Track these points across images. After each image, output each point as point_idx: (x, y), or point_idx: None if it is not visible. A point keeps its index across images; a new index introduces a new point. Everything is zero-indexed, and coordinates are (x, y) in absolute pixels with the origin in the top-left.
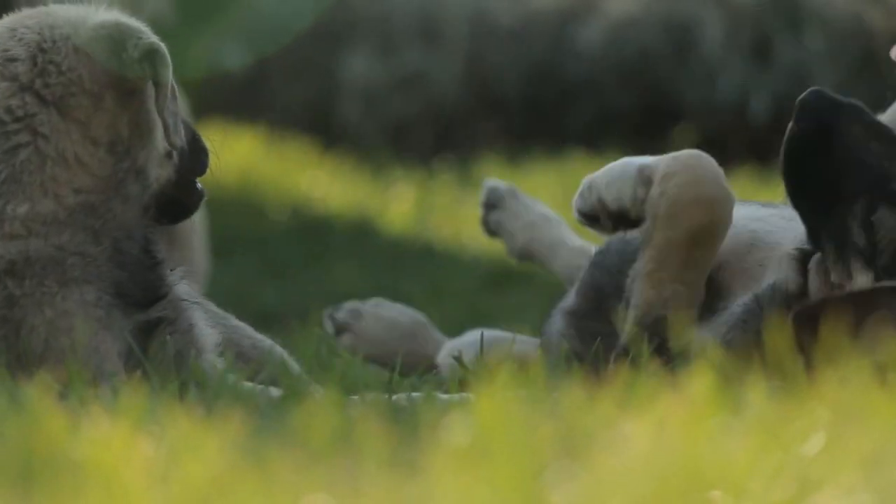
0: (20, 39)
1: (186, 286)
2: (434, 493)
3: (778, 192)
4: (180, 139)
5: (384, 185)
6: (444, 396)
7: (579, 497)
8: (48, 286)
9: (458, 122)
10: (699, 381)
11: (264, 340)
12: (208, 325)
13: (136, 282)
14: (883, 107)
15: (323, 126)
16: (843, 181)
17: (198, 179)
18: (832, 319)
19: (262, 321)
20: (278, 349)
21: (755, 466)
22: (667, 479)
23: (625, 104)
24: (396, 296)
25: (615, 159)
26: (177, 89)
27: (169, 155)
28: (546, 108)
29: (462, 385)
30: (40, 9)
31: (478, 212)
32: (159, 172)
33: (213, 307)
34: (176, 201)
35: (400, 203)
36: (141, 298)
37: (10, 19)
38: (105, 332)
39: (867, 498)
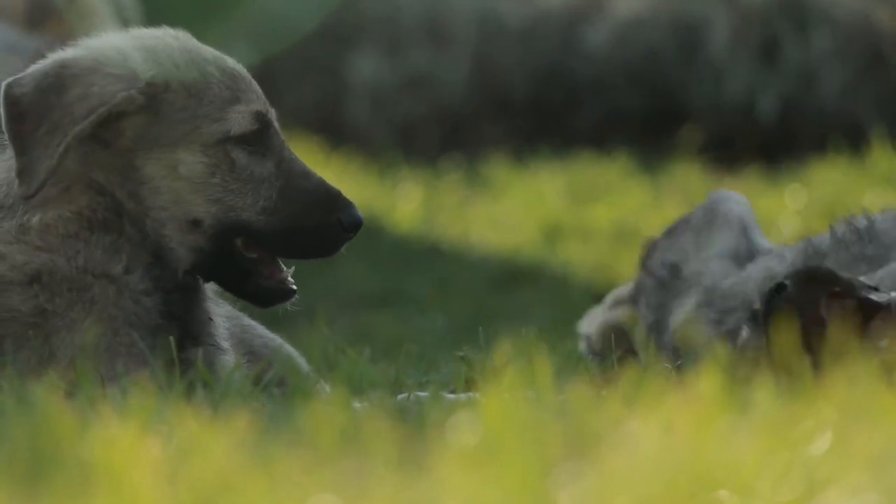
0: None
1: (224, 327)
2: (441, 493)
3: (784, 191)
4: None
5: (391, 185)
6: (451, 396)
7: (587, 497)
8: (77, 314)
9: (466, 123)
10: (707, 381)
11: (275, 339)
12: (230, 362)
13: (175, 319)
14: (891, 106)
15: (330, 126)
16: None
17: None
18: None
19: (270, 320)
20: (288, 348)
21: (763, 466)
22: (674, 479)
23: (632, 104)
24: (403, 295)
25: (622, 159)
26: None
27: (195, 223)
28: (553, 108)
29: (469, 384)
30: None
31: (485, 211)
32: (178, 237)
33: (227, 305)
34: (232, 283)
35: (407, 202)
36: (177, 336)
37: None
38: (139, 367)
39: (874, 498)
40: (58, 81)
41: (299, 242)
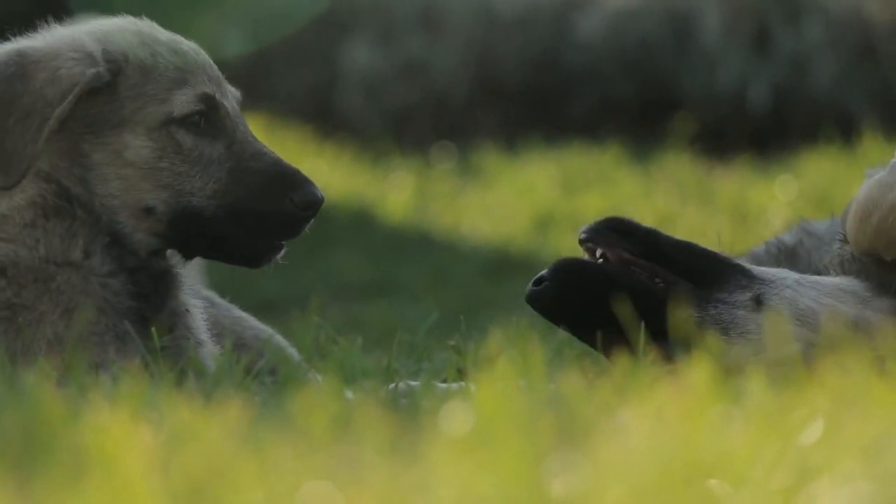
0: None
1: (202, 319)
2: (434, 482)
3: (775, 181)
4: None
5: (384, 174)
6: (443, 385)
7: (579, 485)
8: (45, 306)
9: (459, 111)
10: (699, 371)
11: (266, 330)
12: (210, 354)
13: (144, 299)
14: (882, 97)
15: (323, 114)
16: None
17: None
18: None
19: (262, 309)
20: (279, 339)
21: (754, 455)
22: (667, 468)
23: (625, 94)
24: (395, 284)
25: (614, 149)
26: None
27: (148, 211)
28: (546, 97)
29: (460, 374)
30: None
31: (477, 200)
32: (133, 223)
33: (216, 298)
34: (210, 252)
35: (399, 191)
36: (150, 318)
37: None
38: (118, 354)
39: (865, 486)
40: (20, 70)
41: (255, 225)
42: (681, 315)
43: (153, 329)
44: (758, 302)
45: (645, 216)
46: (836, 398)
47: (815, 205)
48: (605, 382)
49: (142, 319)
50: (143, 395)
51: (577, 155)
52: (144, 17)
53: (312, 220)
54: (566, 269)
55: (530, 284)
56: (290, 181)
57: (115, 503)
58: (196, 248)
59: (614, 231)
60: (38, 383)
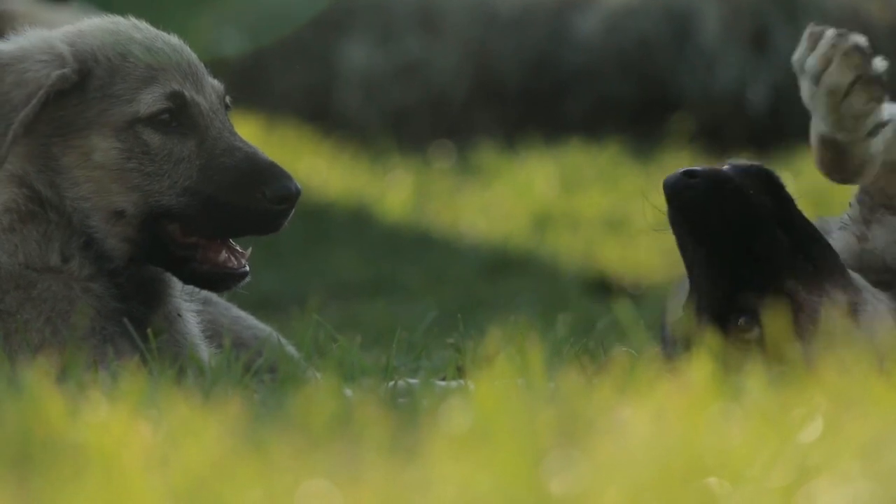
0: None
1: (194, 323)
2: (433, 480)
3: None
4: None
5: (382, 173)
6: (442, 383)
7: (578, 483)
8: (29, 314)
9: (457, 110)
10: (698, 368)
11: (265, 329)
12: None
13: (130, 300)
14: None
15: (321, 113)
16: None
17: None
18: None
19: (261, 307)
20: (278, 338)
21: (754, 453)
22: (666, 466)
23: (623, 93)
24: (394, 282)
25: (613, 148)
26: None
27: (119, 214)
28: (544, 96)
29: (459, 372)
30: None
31: (475, 199)
32: (105, 227)
33: (214, 297)
34: (170, 269)
35: (398, 190)
36: (138, 317)
37: None
38: (114, 351)
39: (865, 485)
40: None
41: (228, 221)
42: (680, 315)
43: (149, 329)
44: (853, 309)
45: (644, 216)
46: (835, 397)
47: (813, 203)
48: (605, 380)
49: (132, 321)
50: (142, 393)
51: (576, 154)
52: (132, 17)
53: (291, 214)
54: (720, 179)
55: (679, 174)
56: (262, 175)
57: (115, 500)
58: (157, 262)
59: (762, 181)
60: (38, 380)
